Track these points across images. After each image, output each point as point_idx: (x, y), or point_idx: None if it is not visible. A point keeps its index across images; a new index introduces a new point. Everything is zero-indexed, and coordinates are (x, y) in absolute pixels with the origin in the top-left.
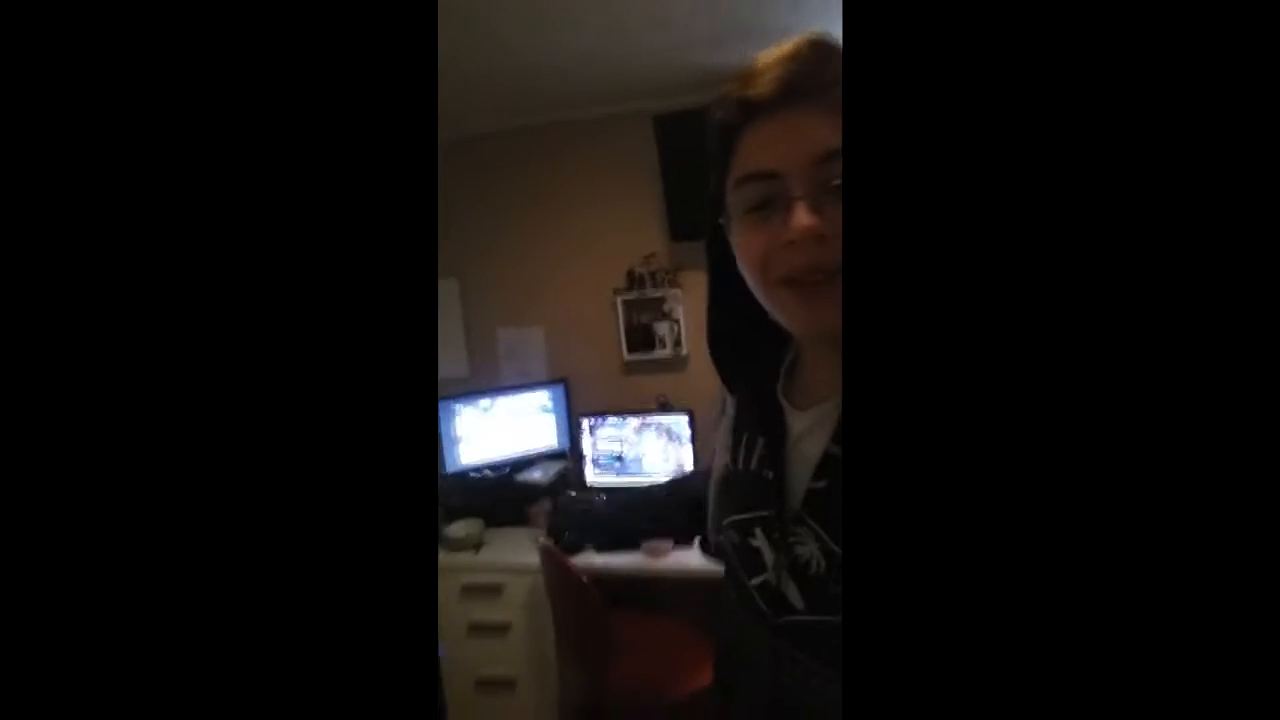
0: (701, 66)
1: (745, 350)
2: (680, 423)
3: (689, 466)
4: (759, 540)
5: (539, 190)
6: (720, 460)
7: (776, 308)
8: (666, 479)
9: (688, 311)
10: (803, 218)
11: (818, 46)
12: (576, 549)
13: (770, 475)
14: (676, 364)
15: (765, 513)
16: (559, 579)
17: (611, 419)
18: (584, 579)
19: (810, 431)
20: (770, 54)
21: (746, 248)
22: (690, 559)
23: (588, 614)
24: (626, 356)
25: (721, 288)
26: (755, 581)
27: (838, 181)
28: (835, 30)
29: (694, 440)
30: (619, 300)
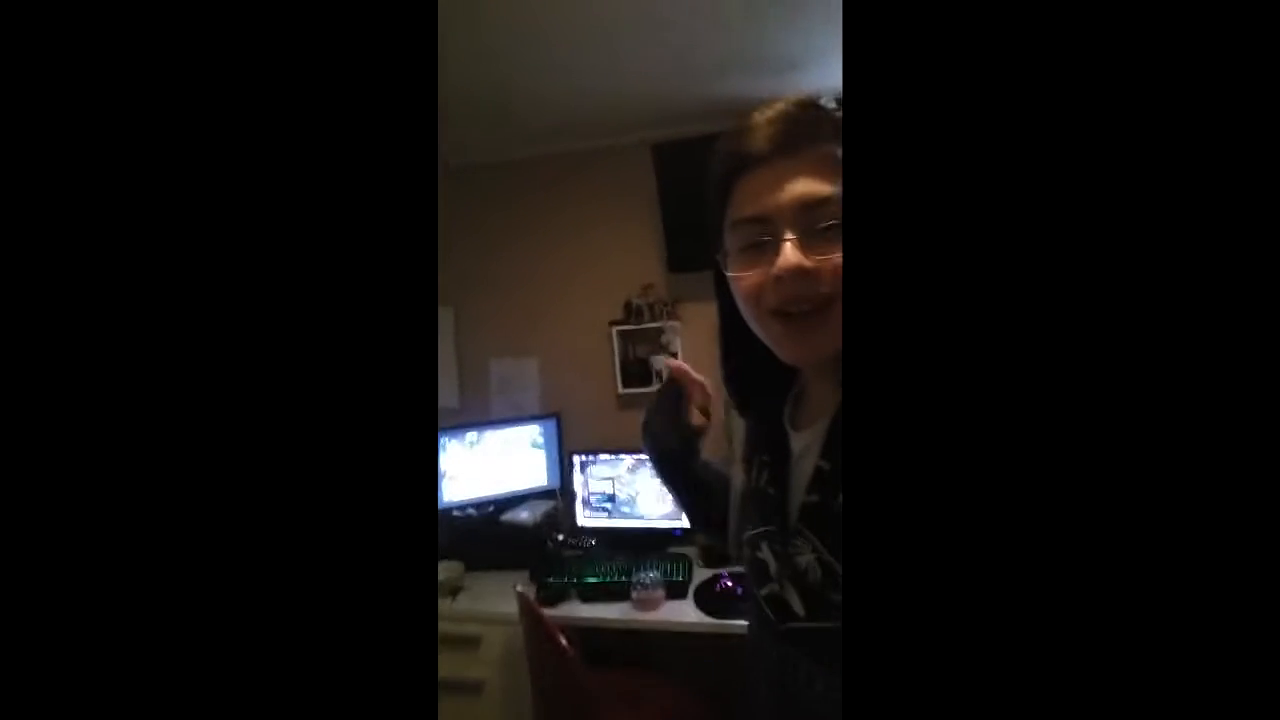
0: (702, 96)
1: (754, 378)
2: None
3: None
4: (765, 553)
5: (535, 220)
6: (735, 482)
7: (769, 337)
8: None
9: (686, 344)
10: (790, 256)
11: (808, 108)
12: (559, 598)
13: (773, 492)
14: None
15: (770, 527)
16: (535, 633)
17: (604, 456)
18: (560, 637)
19: (807, 450)
20: (764, 112)
21: (741, 283)
22: (685, 611)
23: (565, 675)
24: (621, 390)
25: (728, 320)
26: (763, 592)
27: (824, 225)
28: (836, 56)
29: None
30: (614, 332)
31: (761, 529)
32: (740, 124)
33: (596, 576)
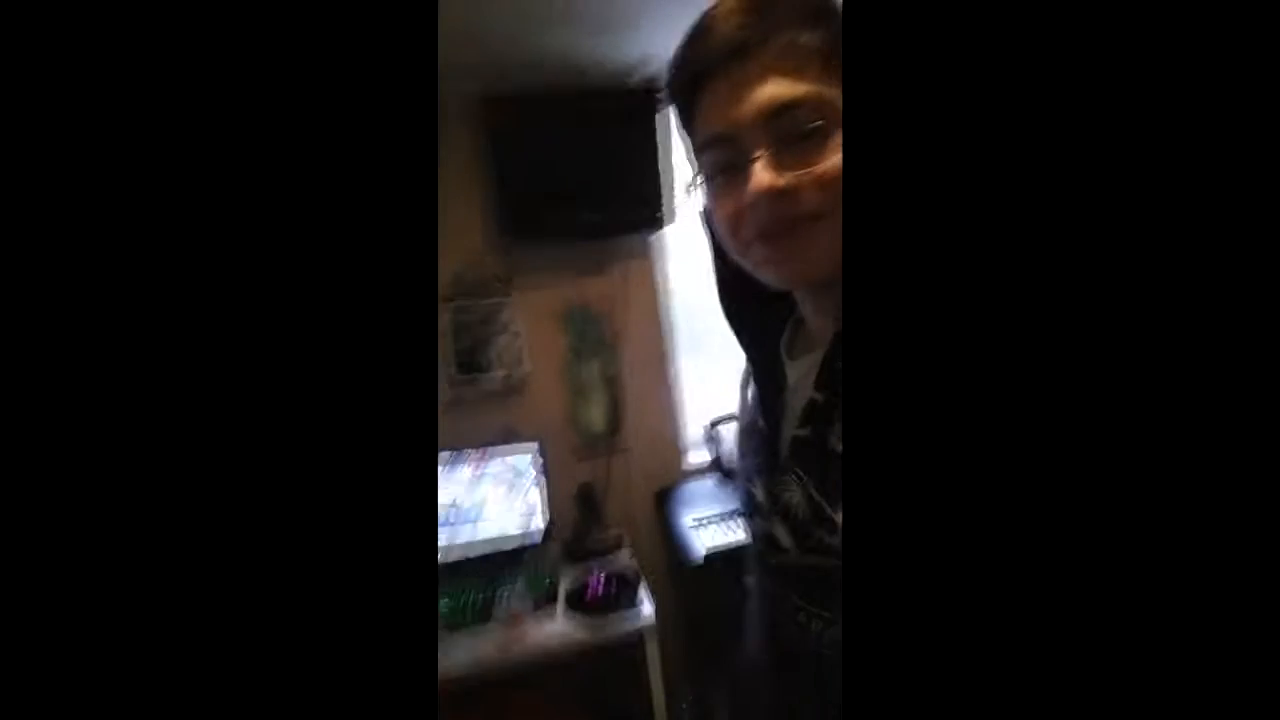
0: (535, 47)
1: (748, 306)
2: (524, 461)
3: (540, 516)
4: (756, 487)
5: None
6: (739, 417)
7: (754, 267)
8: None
9: (529, 325)
10: (761, 178)
11: None
12: None
13: (763, 425)
14: (513, 389)
15: (760, 461)
16: None
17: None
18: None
19: (801, 380)
20: (712, 10)
21: (719, 213)
22: (560, 621)
23: None
24: (456, 377)
25: (718, 249)
26: (755, 526)
27: (799, 131)
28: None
29: (547, 476)
30: (451, 308)
31: (753, 463)
32: (692, 27)
33: (447, 607)
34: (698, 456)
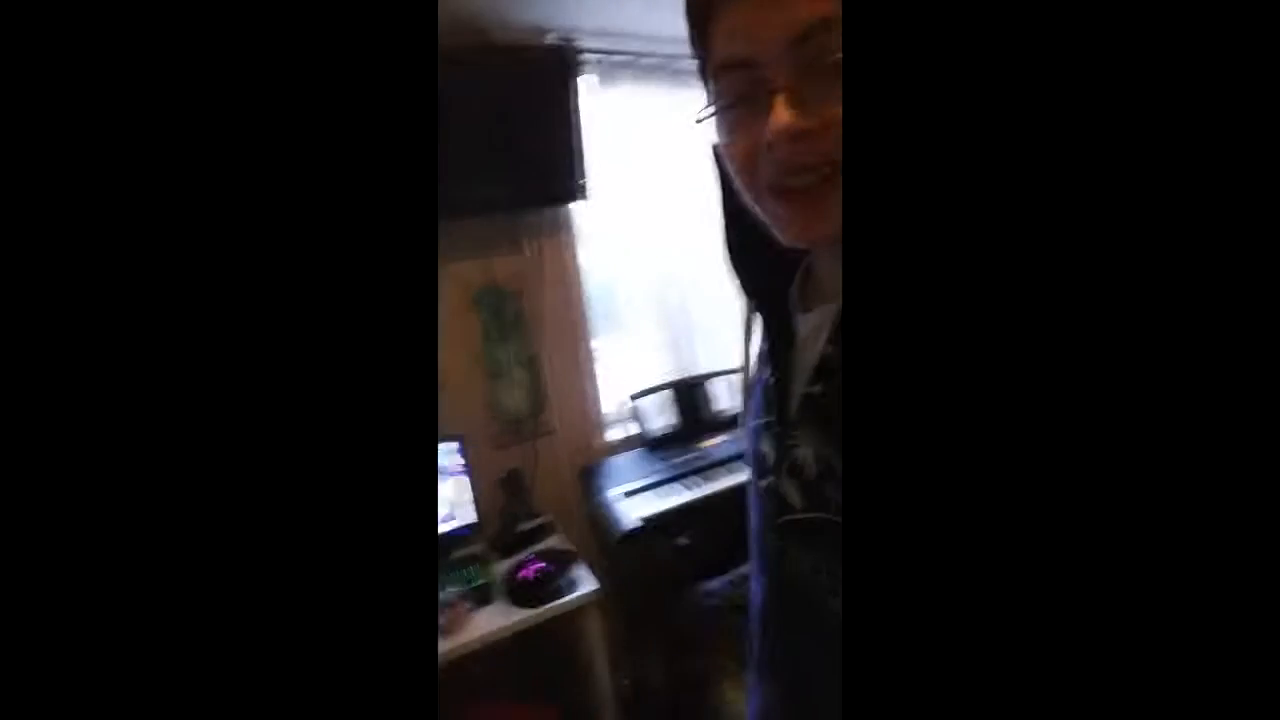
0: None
1: (757, 256)
2: (444, 454)
3: (466, 512)
4: (765, 444)
5: None
6: (748, 373)
7: (768, 217)
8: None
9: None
10: (782, 115)
11: None
12: None
13: (774, 380)
14: None
15: (770, 418)
16: None
17: None
18: None
19: (814, 334)
20: None
21: (731, 150)
22: (500, 615)
23: None
24: None
25: (727, 189)
26: (763, 484)
27: (828, 61)
28: None
29: (470, 467)
30: None
31: (763, 420)
32: None
33: None
34: (618, 431)
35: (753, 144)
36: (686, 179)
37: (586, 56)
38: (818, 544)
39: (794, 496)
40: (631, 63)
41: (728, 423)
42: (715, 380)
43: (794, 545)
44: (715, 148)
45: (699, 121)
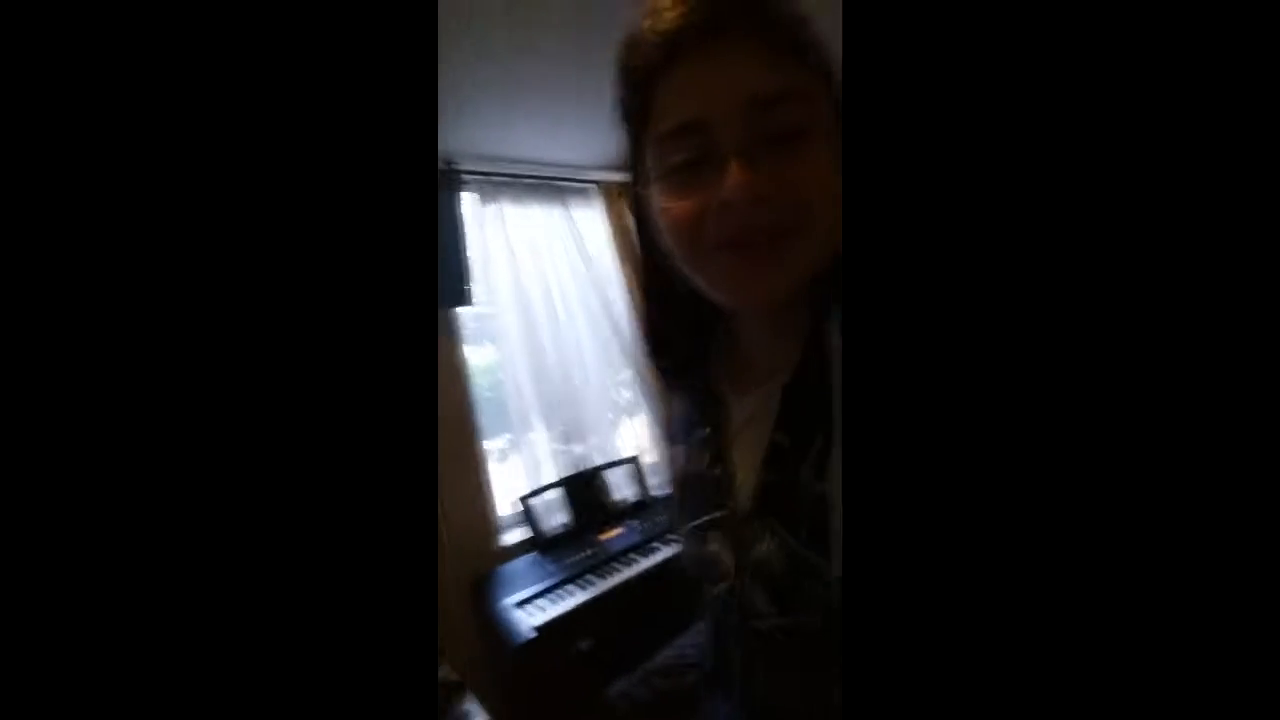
0: None
1: (681, 333)
2: None
3: None
4: (716, 545)
5: None
6: (674, 466)
7: (712, 279)
8: None
9: None
10: (738, 175)
11: None
12: None
13: (718, 472)
14: None
15: (719, 514)
16: None
17: None
18: None
19: (754, 418)
20: None
21: (674, 213)
22: None
23: None
24: None
25: (650, 260)
26: (718, 590)
27: (776, 131)
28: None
29: None
30: None
31: (708, 517)
32: (654, 3)
33: None
34: (512, 536)
35: (701, 205)
36: (565, 283)
37: (467, 178)
38: (795, 658)
39: (761, 601)
40: (512, 182)
41: (624, 513)
42: (609, 471)
43: (767, 661)
44: (639, 222)
45: (638, 189)
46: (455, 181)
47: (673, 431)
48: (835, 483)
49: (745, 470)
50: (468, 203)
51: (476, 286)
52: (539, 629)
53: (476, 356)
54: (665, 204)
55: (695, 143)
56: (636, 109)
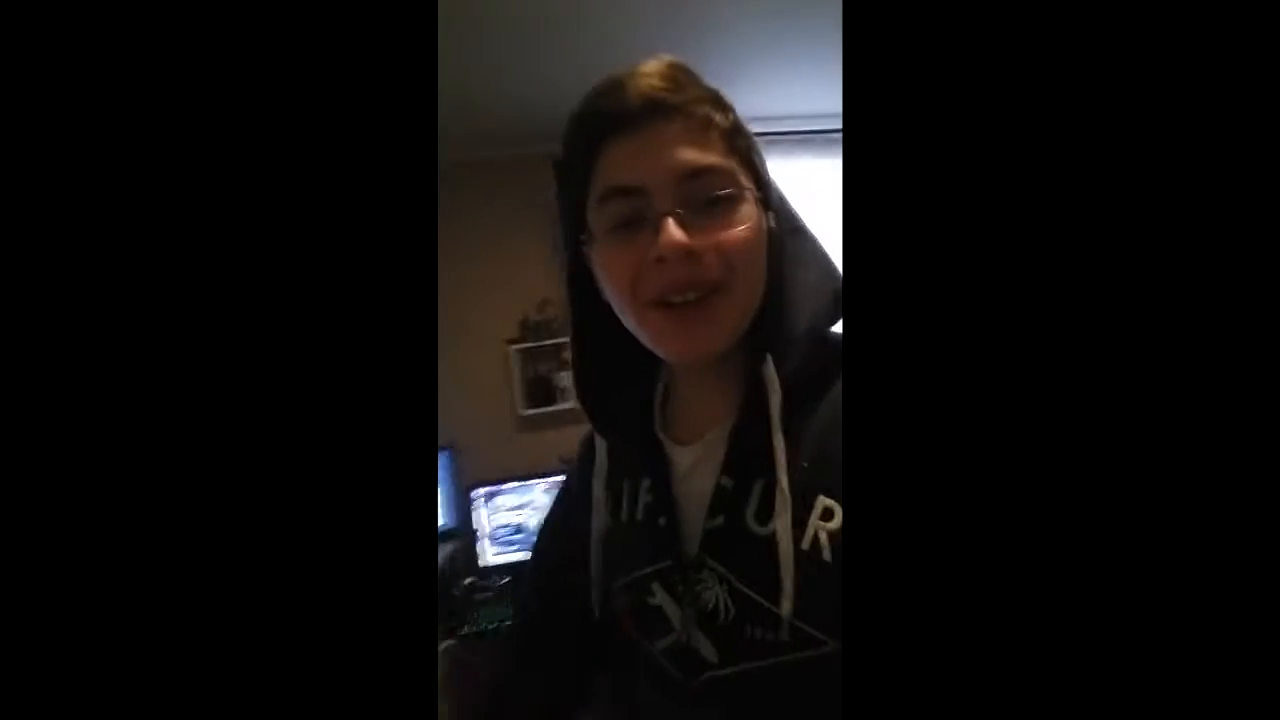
0: None
1: (617, 388)
2: None
3: None
4: (659, 597)
5: None
6: (597, 519)
7: (648, 332)
8: None
9: None
10: (673, 233)
11: (676, 67)
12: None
13: (663, 522)
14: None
15: (662, 564)
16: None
17: (510, 485)
18: None
19: (697, 466)
20: (628, 70)
21: (613, 268)
22: None
23: None
24: (524, 411)
25: (586, 319)
26: (662, 645)
27: (708, 197)
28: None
29: None
30: (513, 351)
31: (650, 569)
32: (603, 83)
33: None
34: None
35: (637, 261)
36: None
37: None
38: (745, 707)
39: (708, 651)
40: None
41: None
42: None
43: (714, 711)
44: (571, 278)
45: (579, 251)
46: None
47: (606, 483)
48: (782, 523)
49: (689, 519)
50: None
51: None
52: None
53: None
54: (605, 259)
55: (633, 205)
56: (580, 174)
